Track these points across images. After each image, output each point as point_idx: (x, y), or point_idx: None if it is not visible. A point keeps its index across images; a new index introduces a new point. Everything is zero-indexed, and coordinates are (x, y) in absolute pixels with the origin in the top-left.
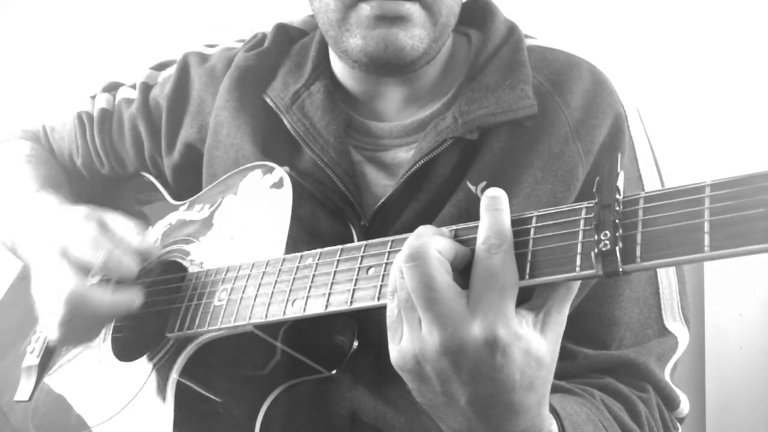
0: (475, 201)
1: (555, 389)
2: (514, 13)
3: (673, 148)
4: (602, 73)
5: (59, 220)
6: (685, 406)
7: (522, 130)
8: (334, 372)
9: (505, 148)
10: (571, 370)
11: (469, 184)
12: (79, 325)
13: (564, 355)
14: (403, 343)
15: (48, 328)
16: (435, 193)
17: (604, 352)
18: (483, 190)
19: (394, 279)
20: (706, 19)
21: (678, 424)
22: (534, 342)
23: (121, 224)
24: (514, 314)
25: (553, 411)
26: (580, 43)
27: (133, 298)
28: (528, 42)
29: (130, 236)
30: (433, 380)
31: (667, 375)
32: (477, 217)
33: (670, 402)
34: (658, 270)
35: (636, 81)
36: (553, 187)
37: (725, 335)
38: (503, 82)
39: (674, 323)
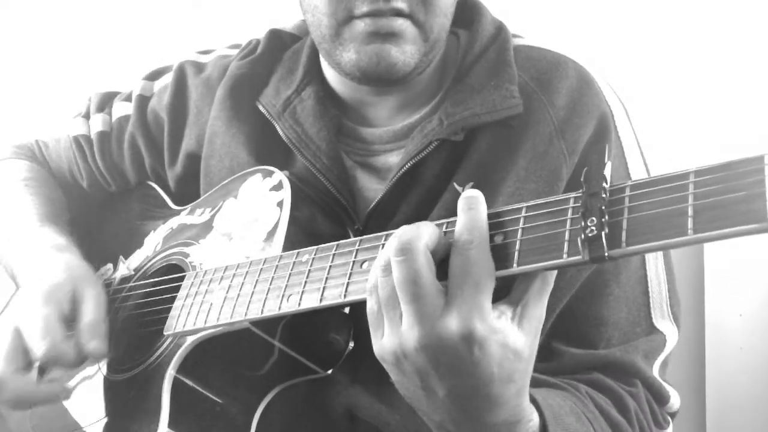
0: None
1: (539, 384)
2: (502, 12)
3: (661, 145)
4: (588, 73)
5: (38, 285)
6: (675, 401)
7: (508, 129)
8: (330, 372)
9: (491, 148)
10: (557, 369)
11: (456, 186)
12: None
13: (551, 354)
14: (384, 339)
15: None
16: (424, 195)
17: (590, 352)
18: None
19: (376, 274)
20: (693, 16)
21: (669, 419)
22: (511, 335)
23: (88, 303)
24: (490, 308)
25: (534, 402)
26: (568, 40)
27: (57, 393)
28: (515, 41)
29: (86, 323)
30: (412, 375)
31: (655, 371)
32: None
33: (659, 397)
34: (647, 268)
35: (624, 78)
36: (537, 187)
37: (725, 335)
38: (488, 82)
39: (663, 321)
